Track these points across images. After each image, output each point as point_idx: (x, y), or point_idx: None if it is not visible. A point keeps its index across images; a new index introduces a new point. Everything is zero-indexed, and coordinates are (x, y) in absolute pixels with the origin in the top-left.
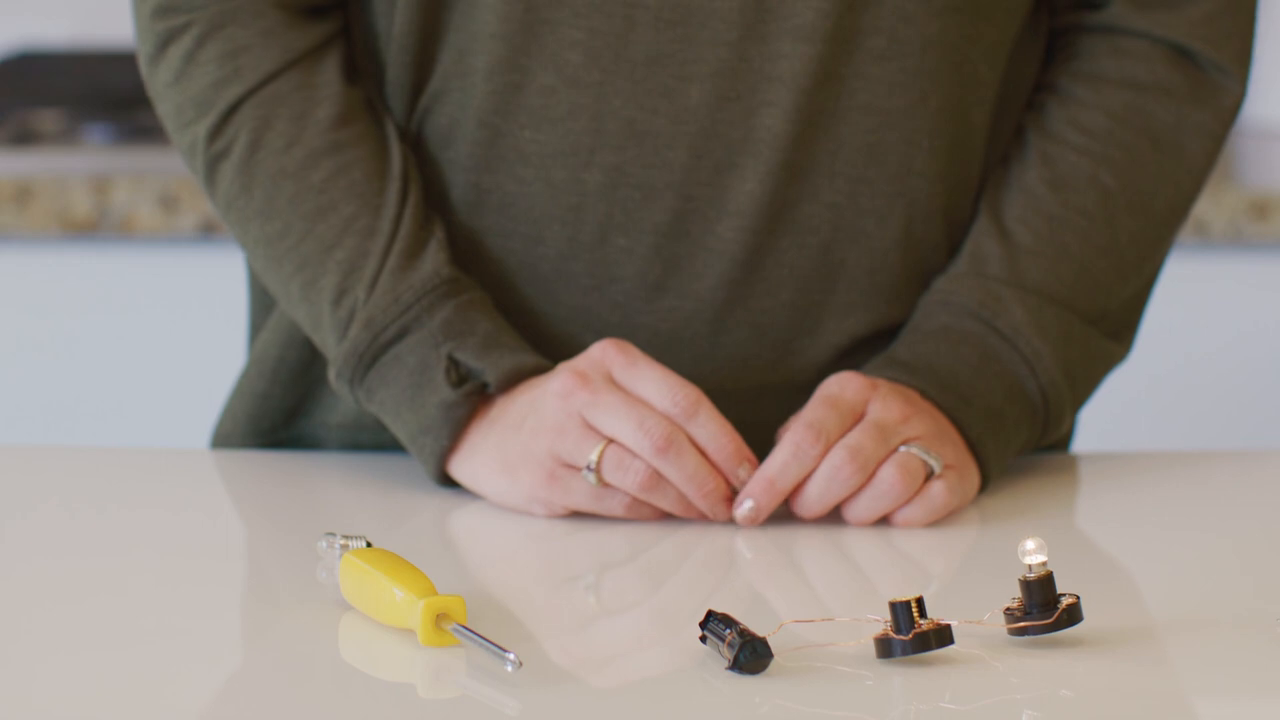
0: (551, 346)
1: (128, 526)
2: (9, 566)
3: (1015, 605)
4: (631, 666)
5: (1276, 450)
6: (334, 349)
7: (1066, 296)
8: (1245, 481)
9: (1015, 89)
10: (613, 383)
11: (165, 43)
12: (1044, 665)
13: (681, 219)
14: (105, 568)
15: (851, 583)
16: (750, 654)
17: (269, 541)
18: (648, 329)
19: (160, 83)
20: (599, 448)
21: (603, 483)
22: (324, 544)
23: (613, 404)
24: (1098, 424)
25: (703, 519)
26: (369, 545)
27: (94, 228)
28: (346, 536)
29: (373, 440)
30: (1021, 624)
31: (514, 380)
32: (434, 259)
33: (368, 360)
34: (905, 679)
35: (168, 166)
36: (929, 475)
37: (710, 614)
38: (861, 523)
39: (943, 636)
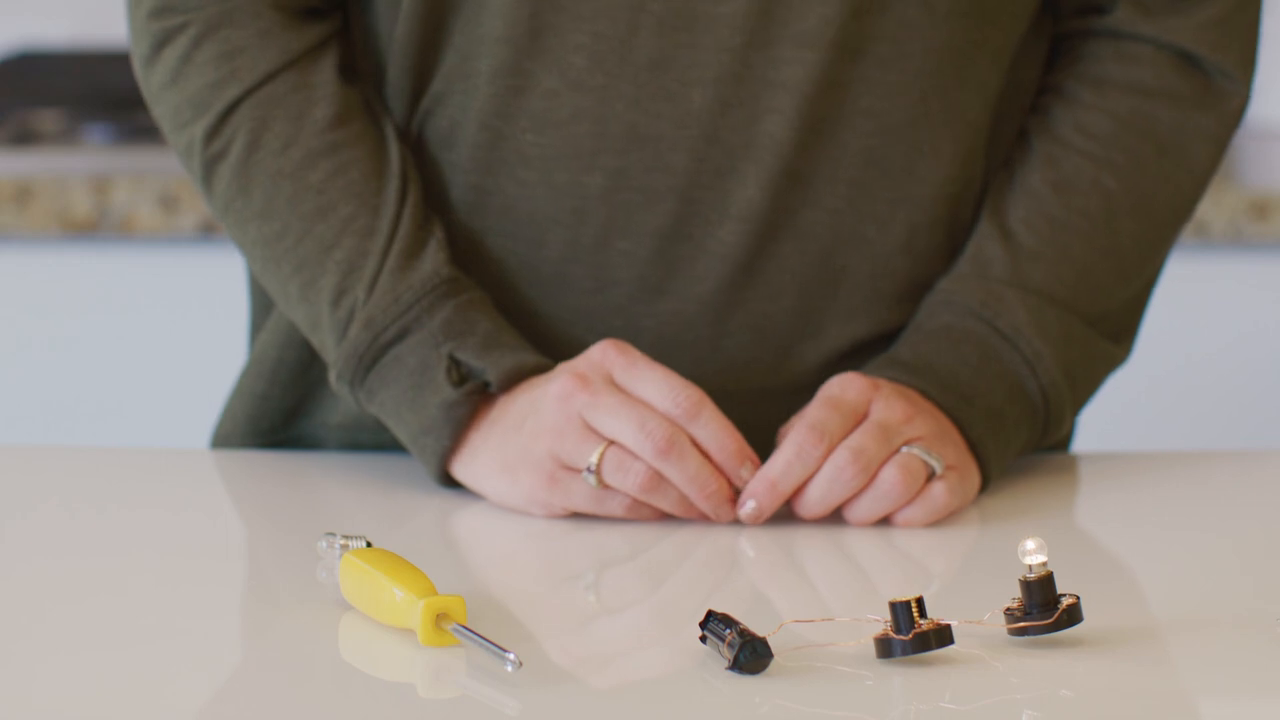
0: (552, 349)
1: (128, 526)
2: (9, 566)
3: (1015, 605)
4: (631, 666)
5: (1276, 450)
6: (333, 350)
7: (1068, 298)
8: (1245, 481)
9: (1018, 92)
10: (613, 384)
11: (161, 44)
12: (1044, 665)
13: (683, 223)
14: (105, 568)
15: (852, 583)
16: (750, 654)
17: (269, 541)
18: (649, 332)
19: (156, 84)
20: (599, 450)
21: (603, 484)
22: (324, 544)
23: (613, 405)
24: (1098, 424)
25: (703, 519)
26: (369, 545)
27: (94, 228)
28: (346, 536)
29: (373, 440)
30: (1021, 624)
31: (515, 379)
32: (434, 259)
33: (368, 361)
34: (905, 679)
35: (168, 166)
36: (930, 476)
37: (710, 614)
38: (862, 523)
39: (943, 636)
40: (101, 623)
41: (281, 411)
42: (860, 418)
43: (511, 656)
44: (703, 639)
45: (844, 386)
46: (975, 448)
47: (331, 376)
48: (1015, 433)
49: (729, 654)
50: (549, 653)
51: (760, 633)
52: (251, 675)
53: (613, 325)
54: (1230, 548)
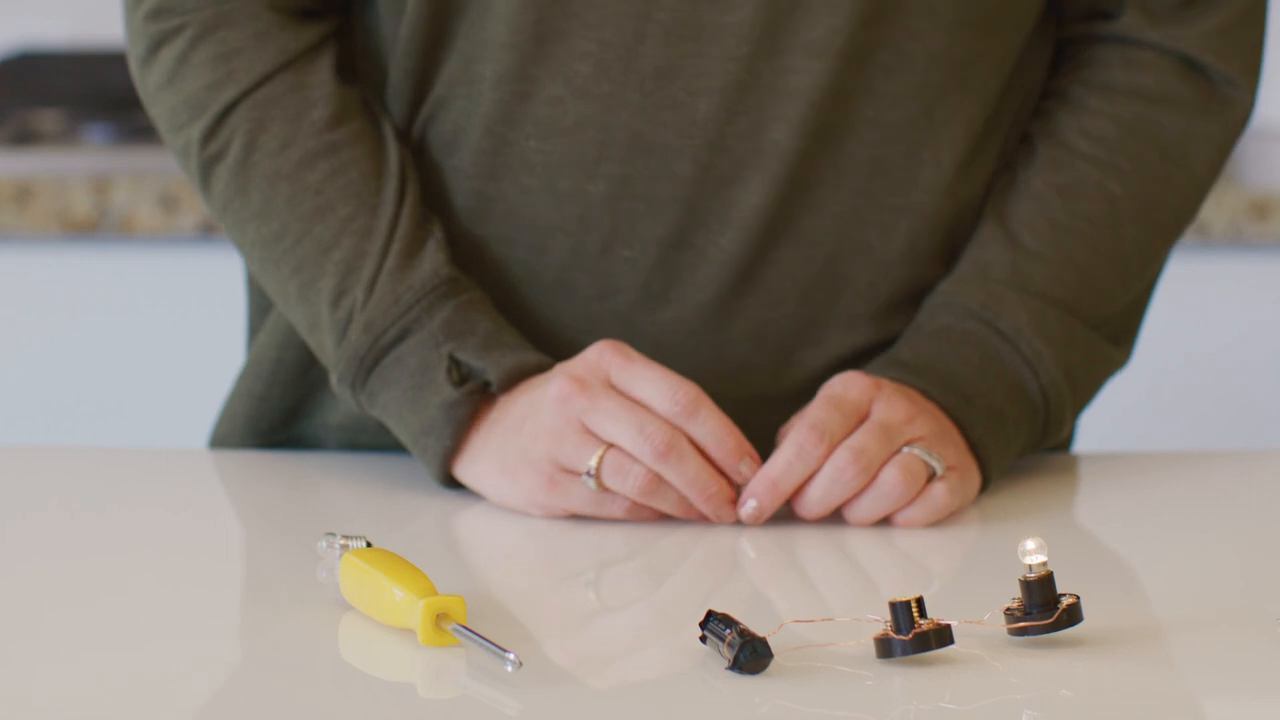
0: (553, 355)
1: (128, 526)
2: (8, 566)
3: (1015, 605)
4: (631, 666)
5: (1276, 450)
6: (333, 351)
7: (1070, 301)
8: (1245, 481)
9: (1020, 96)
10: (610, 386)
11: (157, 45)
12: (1044, 665)
13: (686, 231)
14: (105, 568)
15: (852, 583)
16: (750, 654)
17: (269, 542)
18: (649, 338)
19: (152, 85)
20: (598, 453)
21: (602, 488)
22: (324, 544)
23: (611, 409)
24: (1098, 424)
25: (703, 520)
26: (369, 545)
27: (94, 228)
28: (346, 536)
29: (373, 441)
30: (1021, 624)
31: (516, 378)
32: (433, 259)
33: (369, 363)
34: (905, 679)
35: (168, 166)
36: (931, 476)
37: (710, 614)
38: (862, 523)
39: (943, 636)
40: (101, 623)
41: (281, 412)
42: (862, 417)
43: (511, 656)
44: (703, 639)
45: (846, 385)
46: (976, 448)
47: (333, 380)
48: (1016, 433)
49: (729, 654)
50: (549, 653)
51: (760, 633)
52: (251, 675)
53: (614, 332)
54: (1230, 548)
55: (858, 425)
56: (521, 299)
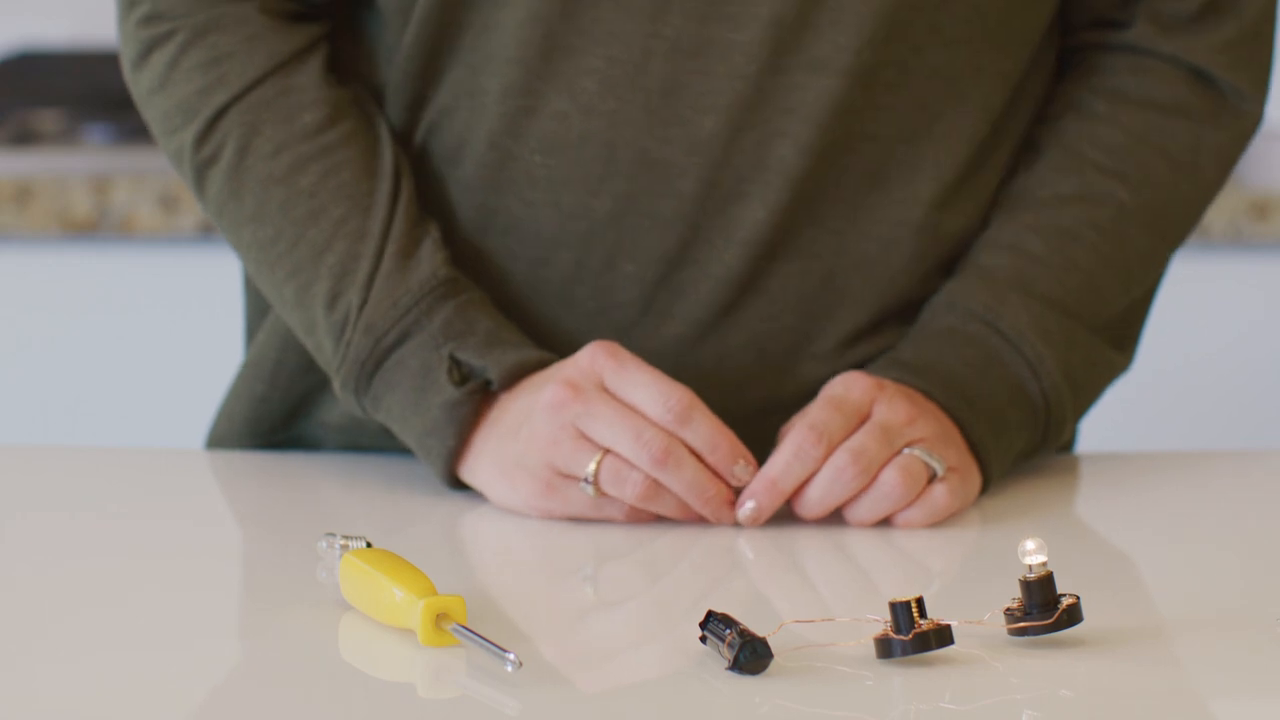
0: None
1: (128, 527)
2: (8, 567)
3: (1015, 605)
4: (631, 666)
5: (1276, 450)
6: (330, 354)
7: (1072, 306)
8: (1245, 481)
9: (1025, 106)
10: (604, 390)
11: (149, 50)
12: (1044, 665)
13: (689, 246)
14: (105, 568)
15: (852, 583)
16: (750, 654)
17: (269, 542)
18: (649, 350)
19: (145, 89)
20: (595, 459)
21: (601, 493)
22: (324, 544)
23: (607, 415)
24: (1098, 424)
25: (702, 522)
26: (369, 545)
27: (94, 228)
28: (346, 537)
29: (372, 441)
30: (1021, 624)
31: (517, 376)
32: (430, 260)
33: (370, 368)
34: (905, 679)
35: (167, 167)
36: (931, 478)
37: (710, 614)
38: (862, 524)
39: (943, 636)
40: (101, 623)
41: (281, 412)
42: (863, 418)
43: (511, 656)
44: (703, 639)
45: (848, 386)
46: (977, 449)
47: (336, 385)
48: (1016, 435)
49: (729, 654)
50: (549, 653)
51: (760, 633)
52: (251, 675)
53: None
54: (1230, 548)
55: (859, 426)
56: (522, 311)
